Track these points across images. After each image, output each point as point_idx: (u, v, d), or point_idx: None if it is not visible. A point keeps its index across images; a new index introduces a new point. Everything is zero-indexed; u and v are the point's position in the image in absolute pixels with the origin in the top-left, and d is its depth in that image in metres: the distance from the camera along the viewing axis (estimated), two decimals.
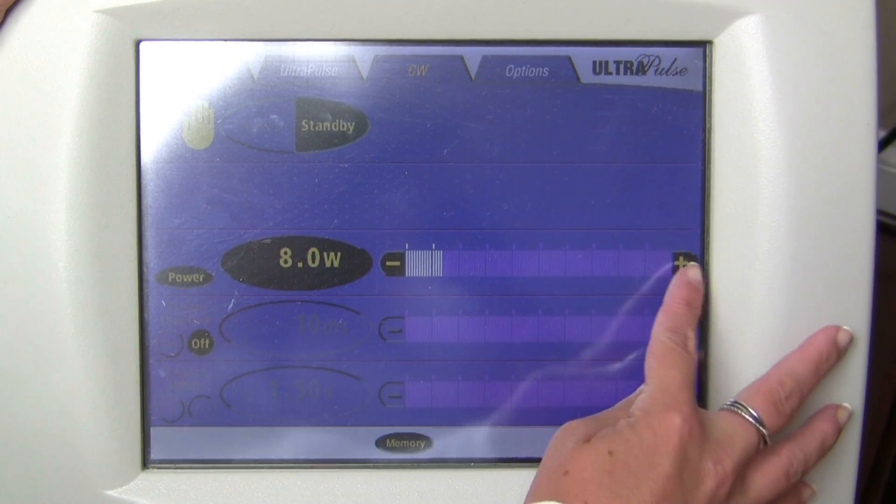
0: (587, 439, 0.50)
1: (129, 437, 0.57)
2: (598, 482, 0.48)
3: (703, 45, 0.56)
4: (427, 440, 0.58)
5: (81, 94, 0.54)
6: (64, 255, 0.54)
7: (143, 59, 0.56)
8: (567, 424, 0.52)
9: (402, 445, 0.58)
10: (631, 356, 0.58)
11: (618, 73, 0.57)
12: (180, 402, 0.58)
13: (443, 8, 0.55)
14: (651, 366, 0.53)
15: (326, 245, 0.57)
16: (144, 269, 0.57)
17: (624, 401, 0.55)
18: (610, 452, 0.49)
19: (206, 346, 0.57)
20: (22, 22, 0.54)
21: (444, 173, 0.57)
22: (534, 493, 0.50)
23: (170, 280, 0.57)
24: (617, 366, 0.58)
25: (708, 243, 0.57)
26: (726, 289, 0.57)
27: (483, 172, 0.57)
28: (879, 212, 0.56)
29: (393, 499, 0.57)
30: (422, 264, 0.57)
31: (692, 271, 0.56)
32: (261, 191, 0.57)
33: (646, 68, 0.57)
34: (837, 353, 0.55)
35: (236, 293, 0.57)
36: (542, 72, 0.57)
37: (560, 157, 0.57)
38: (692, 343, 0.54)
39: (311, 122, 0.57)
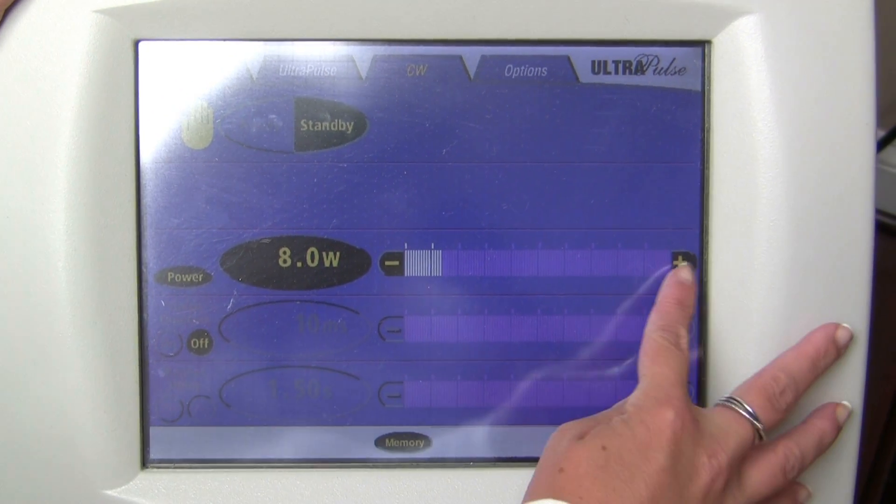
0: (581, 437, 0.50)
1: (129, 436, 0.57)
2: (592, 477, 0.48)
3: (702, 45, 0.56)
4: (426, 440, 0.58)
5: (80, 94, 0.54)
6: (63, 254, 0.54)
7: (142, 59, 0.56)
8: (563, 425, 0.53)
9: (401, 445, 0.58)
10: (630, 356, 0.58)
11: (616, 72, 0.57)
12: (179, 401, 0.58)
13: (442, 8, 0.55)
14: (644, 364, 0.53)
15: (325, 245, 0.57)
16: (143, 269, 0.57)
17: (620, 403, 0.55)
18: (604, 448, 0.49)
19: (206, 345, 0.57)
20: (21, 22, 0.54)
21: (443, 173, 0.57)
22: (531, 492, 0.50)
23: (169, 280, 0.57)
24: (616, 365, 0.58)
25: (707, 243, 0.57)
26: (725, 288, 0.57)
27: (482, 172, 0.57)
28: (878, 211, 0.56)
29: (392, 498, 0.57)
30: (421, 264, 0.57)
31: (683, 271, 0.57)
32: (260, 190, 0.57)
33: (644, 68, 0.57)
34: (836, 350, 0.55)
35: (235, 293, 0.57)
36: (541, 71, 0.57)
37: (559, 156, 0.57)
38: (685, 341, 0.54)
39: (310, 122, 0.57)
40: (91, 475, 0.56)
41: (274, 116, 0.57)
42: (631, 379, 0.57)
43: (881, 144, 0.83)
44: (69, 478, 0.56)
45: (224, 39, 0.56)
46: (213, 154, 0.57)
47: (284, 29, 0.55)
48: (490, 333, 0.58)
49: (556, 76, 0.57)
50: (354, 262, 0.57)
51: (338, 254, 0.57)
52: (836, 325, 0.55)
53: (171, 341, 0.57)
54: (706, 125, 0.57)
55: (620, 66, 0.57)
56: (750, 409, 0.52)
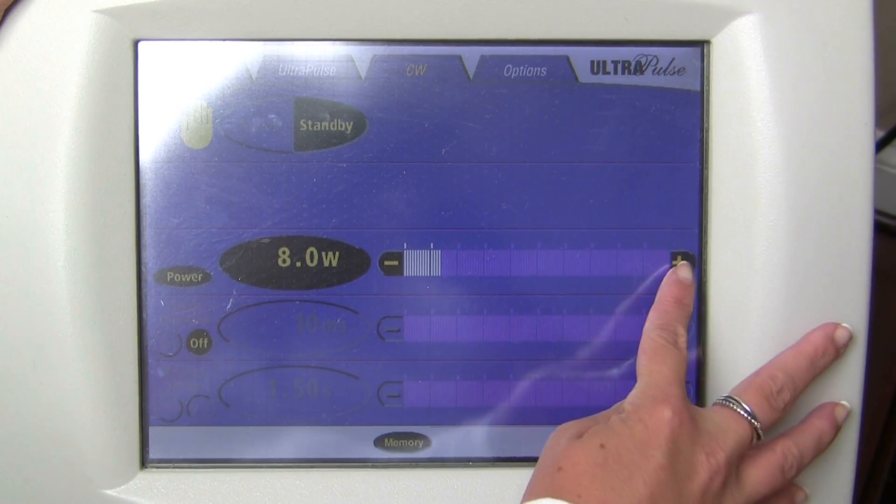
0: (580, 436, 0.50)
1: (128, 436, 0.57)
2: (591, 475, 0.48)
3: (701, 45, 0.56)
4: (425, 439, 0.58)
5: (80, 94, 0.54)
6: (63, 254, 0.54)
7: (141, 59, 0.56)
8: (561, 425, 0.53)
9: (400, 445, 0.58)
10: (629, 356, 0.58)
11: (616, 72, 0.57)
12: (179, 401, 0.58)
13: (441, 8, 0.55)
14: (642, 363, 0.53)
15: (325, 244, 0.57)
16: (143, 269, 0.57)
17: (619, 403, 0.55)
18: (602, 446, 0.49)
19: (205, 345, 0.58)
20: (21, 22, 0.54)
21: (443, 173, 0.57)
22: (529, 491, 0.50)
23: (168, 280, 0.57)
24: (615, 365, 0.58)
25: (706, 243, 0.57)
26: (724, 288, 0.57)
27: (481, 172, 0.57)
28: (877, 212, 0.56)
29: (391, 498, 0.57)
30: (420, 264, 0.57)
31: (682, 270, 0.57)
32: (259, 190, 0.57)
33: (644, 68, 0.57)
34: (835, 350, 0.55)
35: (235, 293, 0.57)
36: (541, 71, 0.57)
37: (558, 156, 0.57)
38: (683, 340, 0.54)
39: (310, 122, 0.57)
40: (90, 475, 0.56)
41: (273, 116, 0.57)
42: (630, 379, 0.57)
43: (880, 145, 0.83)
44: (69, 477, 0.56)
45: (223, 39, 0.56)
46: (212, 154, 0.57)
47: (284, 29, 0.56)
48: (489, 333, 0.58)
49: (556, 76, 0.57)
50: (354, 262, 0.57)
51: (337, 254, 0.57)
52: (836, 325, 0.55)
53: (171, 341, 0.57)
54: (705, 125, 0.57)
55: (619, 66, 0.57)
56: (748, 408, 0.52)
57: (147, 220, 0.57)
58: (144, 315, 0.57)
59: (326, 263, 0.57)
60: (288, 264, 0.57)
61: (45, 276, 0.55)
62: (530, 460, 0.56)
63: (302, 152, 0.57)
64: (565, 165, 0.57)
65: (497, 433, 0.58)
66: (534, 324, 0.58)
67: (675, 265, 0.57)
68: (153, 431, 0.58)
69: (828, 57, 0.54)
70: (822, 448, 0.55)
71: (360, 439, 0.58)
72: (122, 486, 0.57)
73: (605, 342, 0.58)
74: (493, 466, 0.58)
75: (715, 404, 0.54)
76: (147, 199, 0.57)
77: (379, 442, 0.58)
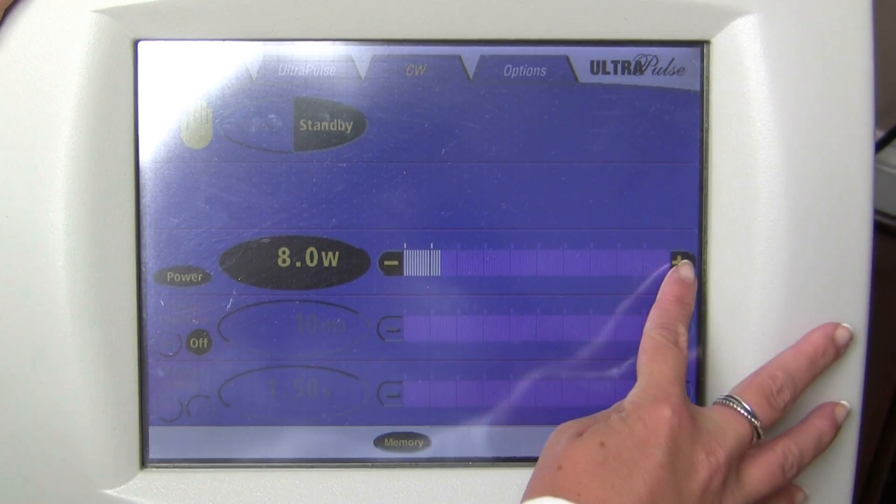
0: (580, 435, 0.50)
1: (128, 436, 0.57)
2: (591, 474, 0.48)
3: (701, 45, 0.56)
4: (425, 439, 0.58)
5: (80, 94, 0.54)
6: (62, 254, 0.54)
7: (141, 59, 0.56)
8: (562, 424, 0.53)
9: (400, 445, 0.58)
10: (629, 356, 0.58)
11: (615, 72, 0.57)
12: (179, 401, 0.58)
13: (441, 8, 0.55)
14: (642, 362, 0.53)
15: (325, 244, 0.57)
16: (143, 269, 0.57)
17: (619, 403, 0.55)
18: (602, 444, 0.49)
19: (205, 345, 0.58)
20: (21, 21, 0.54)
21: (443, 173, 0.57)
22: (529, 490, 0.50)
23: (168, 279, 0.57)
24: (615, 365, 0.58)
25: (706, 243, 0.57)
26: (724, 288, 0.57)
27: (481, 172, 0.57)
28: (877, 212, 0.56)
29: (391, 498, 0.57)
30: (420, 264, 0.57)
31: (684, 269, 0.57)
32: (259, 190, 0.57)
33: (643, 68, 0.57)
34: (835, 350, 0.55)
35: (234, 292, 0.57)
36: (540, 71, 0.57)
37: (558, 156, 0.57)
38: (683, 339, 0.54)
39: (310, 122, 0.57)
40: (90, 475, 0.56)
41: (273, 116, 0.57)
42: (630, 379, 0.57)
43: (879, 145, 0.83)
44: (68, 477, 0.56)
45: (223, 39, 0.56)
46: (212, 154, 0.57)
47: (284, 29, 0.56)
48: (489, 333, 0.58)
49: (555, 76, 0.57)
50: (354, 262, 0.57)
51: (337, 253, 0.57)
52: (836, 325, 0.55)
53: (171, 341, 0.57)
54: (705, 125, 0.57)
55: (619, 66, 0.57)
56: (748, 408, 0.52)
57: (147, 219, 0.57)
58: (144, 315, 0.57)
59: (326, 263, 0.57)
60: (288, 264, 0.57)
61: (45, 276, 0.55)
62: (530, 460, 0.56)
63: (302, 152, 0.57)
64: (565, 165, 0.57)
65: (497, 433, 0.58)
66: (534, 324, 0.58)
67: (677, 264, 0.57)
68: (153, 431, 0.58)
69: (827, 57, 0.54)
70: (823, 448, 0.55)
71: (359, 439, 0.58)
72: (122, 486, 0.57)
73: (605, 342, 0.58)
74: (493, 466, 0.58)
75: (715, 403, 0.54)
76: (147, 199, 0.57)
77: (379, 442, 0.58)
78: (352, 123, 0.57)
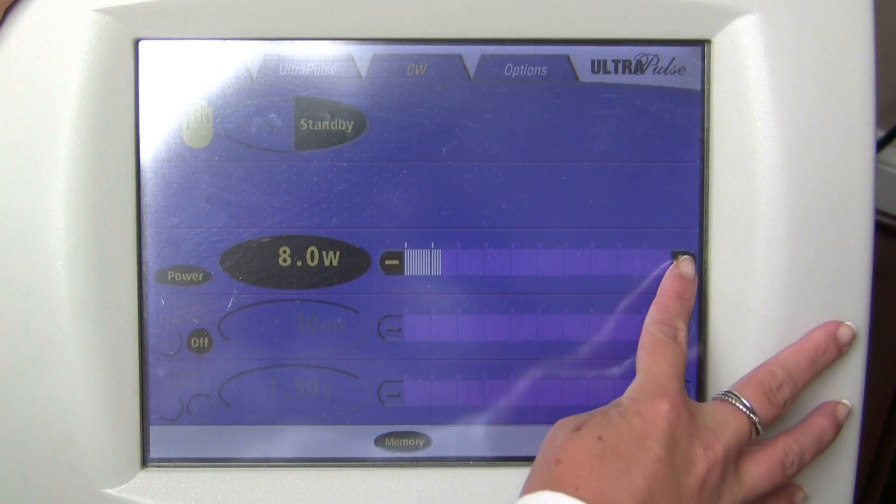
0: (578, 429, 0.51)
1: (129, 435, 0.57)
2: (588, 467, 0.48)
3: (702, 44, 0.56)
4: (426, 439, 0.58)
5: (80, 94, 0.54)
6: (63, 254, 0.54)
7: (142, 59, 0.56)
8: (560, 420, 0.53)
9: (400, 444, 0.58)
10: (630, 355, 0.58)
11: (616, 72, 0.57)
12: (179, 400, 0.58)
13: (441, 7, 0.55)
14: (641, 357, 0.54)
15: (325, 244, 0.57)
16: (143, 268, 0.57)
17: (618, 398, 0.55)
18: (600, 438, 0.49)
19: (205, 344, 0.58)
20: (21, 21, 0.54)
21: (443, 172, 0.57)
22: (528, 485, 0.50)
23: (169, 279, 0.57)
24: (616, 364, 0.58)
25: (706, 242, 0.57)
26: (725, 288, 0.57)
27: (482, 171, 0.57)
28: (878, 211, 0.56)
29: (392, 497, 0.57)
30: (421, 263, 0.57)
31: (684, 265, 0.57)
32: (259, 190, 0.57)
33: (644, 67, 0.57)
34: (837, 348, 0.55)
35: (235, 292, 0.57)
36: (541, 71, 0.57)
37: (559, 156, 0.57)
38: (683, 334, 0.54)
39: (310, 121, 0.57)
40: (91, 474, 0.56)
41: (274, 115, 0.57)
42: (631, 378, 0.57)
43: (880, 144, 0.83)
44: (69, 477, 0.56)
45: (224, 39, 0.56)
46: (212, 153, 0.57)
47: (284, 28, 0.56)
48: (490, 333, 0.58)
49: (556, 75, 0.57)
50: (354, 262, 0.57)
51: (338, 253, 0.57)
52: (838, 323, 0.55)
53: (171, 340, 0.57)
54: (706, 124, 0.57)
55: (620, 65, 0.57)
56: (747, 403, 0.52)
57: (147, 219, 0.57)
58: (145, 314, 0.57)
59: (327, 263, 0.57)
60: (288, 264, 0.57)
61: (46, 276, 0.55)
62: (531, 459, 0.56)
63: (302, 151, 0.57)
64: (566, 165, 0.57)
65: (497, 432, 0.58)
66: (534, 323, 0.58)
67: (678, 260, 0.57)
68: (154, 431, 0.58)
69: (828, 56, 0.54)
70: (824, 446, 0.55)
71: (360, 438, 0.58)
72: (123, 486, 0.57)
73: (605, 341, 0.58)
74: (494, 466, 0.58)
75: (714, 399, 0.54)
76: (147, 199, 0.57)
77: (379, 441, 0.58)
78: (352, 123, 0.57)
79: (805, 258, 0.55)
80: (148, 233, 0.57)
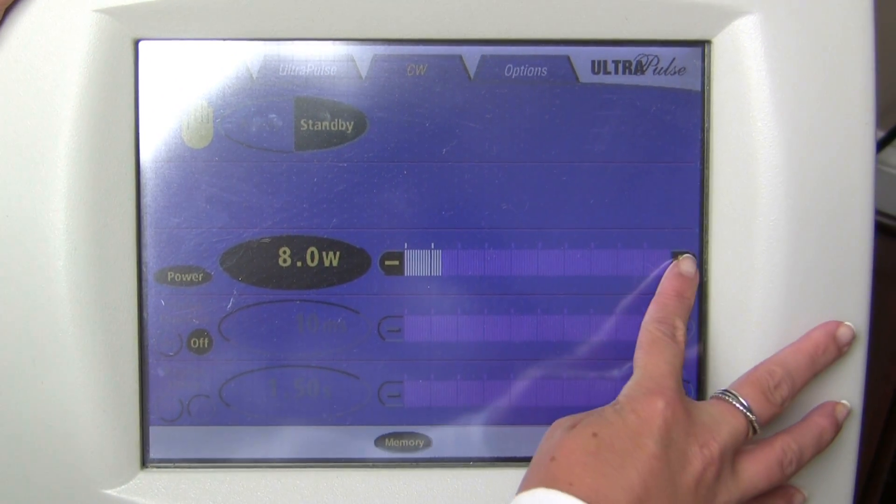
0: (573, 427, 0.51)
1: (128, 436, 0.57)
2: (583, 464, 0.48)
3: (702, 45, 0.56)
4: (426, 439, 0.58)
5: (80, 94, 0.54)
6: (63, 254, 0.54)
7: (142, 59, 0.56)
8: (557, 420, 0.53)
9: (400, 444, 0.58)
10: (630, 355, 0.57)
11: (616, 72, 0.57)
12: (179, 401, 0.58)
13: (441, 7, 0.55)
14: (638, 355, 0.54)
15: (325, 244, 0.57)
16: (143, 269, 0.57)
17: (616, 399, 0.55)
18: (594, 435, 0.49)
19: (205, 345, 0.58)
20: (21, 21, 0.54)
21: (443, 173, 0.57)
22: (524, 483, 0.51)
23: (169, 279, 0.57)
24: (616, 365, 0.58)
25: (706, 242, 0.57)
26: (725, 288, 0.57)
27: (482, 172, 0.57)
28: (878, 212, 0.56)
29: (392, 498, 0.57)
30: (421, 263, 0.57)
31: (685, 263, 0.57)
32: (260, 190, 0.57)
33: (644, 68, 0.57)
34: (837, 348, 0.55)
35: (235, 292, 0.57)
36: (541, 71, 0.57)
37: (559, 156, 0.57)
38: (681, 333, 0.54)
39: (310, 122, 0.57)
40: (91, 474, 0.56)
41: (274, 116, 0.57)
42: (630, 378, 0.57)
43: (880, 145, 0.83)
44: (69, 477, 0.56)
45: (224, 39, 0.56)
46: (213, 153, 0.57)
47: (284, 28, 0.55)
48: (490, 333, 0.58)
49: (556, 76, 0.57)
50: (354, 262, 0.57)
51: (338, 253, 0.57)
52: (838, 323, 0.55)
53: (171, 341, 0.57)
54: (706, 125, 0.57)
55: (620, 65, 0.57)
56: (744, 402, 0.52)
57: (147, 219, 0.57)
58: (145, 314, 0.57)
59: (327, 263, 0.57)
60: (288, 264, 0.57)
61: (46, 276, 0.54)
62: (531, 460, 0.56)
63: (302, 152, 0.57)
64: (566, 165, 0.57)
65: (498, 433, 0.58)
66: (534, 323, 0.58)
67: (679, 258, 0.57)
68: (154, 431, 0.58)
69: (828, 57, 0.54)
70: (823, 446, 0.55)
71: (360, 439, 0.58)
72: (123, 486, 0.57)
73: (605, 342, 0.58)
74: (494, 466, 0.58)
75: (712, 397, 0.54)
76: (147, 199, 0.57)
77: (379, 442, 0.58)
78: (352, 123, 0.57)
79: (805, 258, 0.55)
80: (148, 233, 0.57)
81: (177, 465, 0.58)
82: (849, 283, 0.56)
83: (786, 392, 0.54)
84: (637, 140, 0.57)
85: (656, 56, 0.57)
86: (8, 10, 0.54)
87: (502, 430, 0.58)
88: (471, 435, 0.58)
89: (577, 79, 0.57)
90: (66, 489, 0.56)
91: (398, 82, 0.57)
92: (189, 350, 0.57)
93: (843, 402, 0.57)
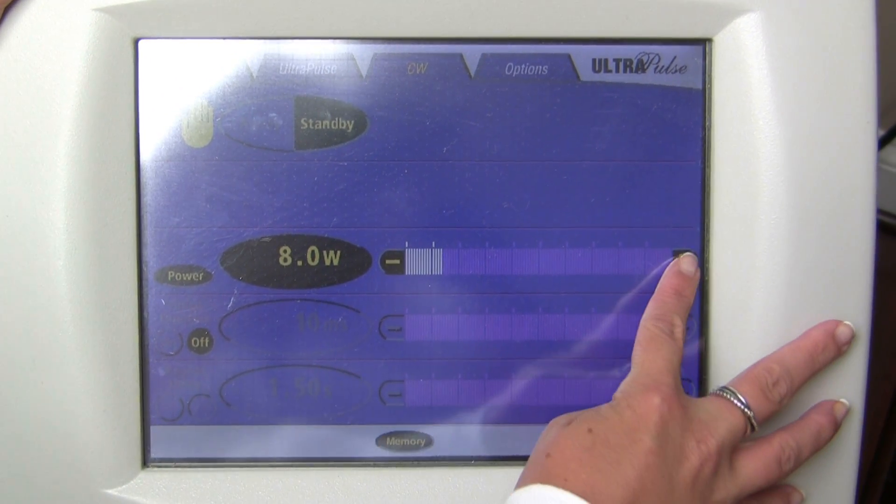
0: (569, 423, 0.51)
1: (129, 435, 0.57)
2: (578, 459, 0.48)
3: (703, 43, 0.56)
4: (427, 438, 0.58)
5: (80, 93, 0.54)
6: (63, 253, 0.54)
7: (142, 58, 0.56)
8: (554, 418, 0.53)
9: (402, 444, 0.58)
10: (631, 354, 0.58)
11: (617, 70, 0.57)
12: (180, 400, 0.58)
13: (442, 6, 0.55)
14: (636, 353, 0.54)
15: (326, 243, 0.57)
16: (144, 268, 0.57)
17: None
18: (590, 430, 0.49)
19: (206, 344, 0.57)
20: (21, 20, 0.54)
21: (444, 171, 0.57)
22: (520, 480, 0.51)
23: (169, 278, 0.57)
24: (617, 364, 0.58)
25: (707, 241, 0.57)
26: (726, 287, 0.57)
27: (482, 170, 0.57)
28: (878, 211, 0.56)
29: (393, 497, 0.57)
30: (421, 262, 0.57)
31: (685, 262, 0.57)
32: (260, 189, 0.57)
33: (645, 66, 0.57)
34: (836, 346, 0.55)
35: (236, 292, 0.57)
36: (542, 70, 0.57)
37: (560, 155, 0.57)
38: (679, 330, 0.54)
39: (311, 121, 0.57)
40: (92, 474, 0.56)
41: (274, 115, 0.57)
42: None
43: (881, 143, 0.83)
44: (70, 477, 0.56)
45: (224, 38, 0.56)
46: (213, 152, 0.57)
47: (284, 27, 0.55)
48: (491, 332, 0.58)
49: (557, 74, 0.57)
50: (355, 261, 0.57)
51: (338, 252, 0.57)
52: (837, 322, 0.55)
53: (172, 340, 0.57)
54: (707, 123, 0.57)
55: (621, 64, 0.57)
56: (742, 399, 0.52)
57: (148, 218, 0.57)
58: (145, 314, 0.57)
59: (328, 262, 0.57)
60: (289, 263, 0.57)
61: (46, 276, 0.54)
62: None
63: (303, 151, 0.57)
64: (567, 164, 0.57)
65: (498, 432, 0.58)
66: (535, 322, 0.58)
67: (680, 257, 0.57)
68: (154, 430, 0.58)
69: (830, 55, 0.54)
70: (821, 444, 0.55)
71: (361, 438, 0.58)
72: (124, 486, 0.57)
73: (606, 341, 0.58)
74: (495, 465, 0.58)
75: (710, 394, 0.54)
76: (148, 198, 0.57)
77: (380, 441, 0.58)
78: (353, 122, 0.57)
79: (806, 257, 0.55)
80: (148, 232, 0.57)
81: (177, 464, 0.58)
82: (850, 282, 0.56)
83: (784, 390, 0.54)
84: (638, 138, 0.57)
85: (657, 54, 0.56)
86: (7, 9, 0.54)
87: (503, 429, 0.58)
88: (472, 434, 0.58)
89: (577, 77, 0.57)
90: (67, 489, 0.56)
91: (399, 81, 0.56)
92: (190, 349, 0.57)
93: (842, 400, 0.57)
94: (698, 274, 0.57)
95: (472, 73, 0.57)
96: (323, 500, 0.57)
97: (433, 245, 0.57)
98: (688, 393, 0.55)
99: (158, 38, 0.56)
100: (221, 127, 0.56)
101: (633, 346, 0.56)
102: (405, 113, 0.57)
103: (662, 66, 0.57)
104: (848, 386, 0.57)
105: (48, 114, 0.54)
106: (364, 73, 0.56)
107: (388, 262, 0.57)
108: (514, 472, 0.57)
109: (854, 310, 0.56)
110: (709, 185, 0.57)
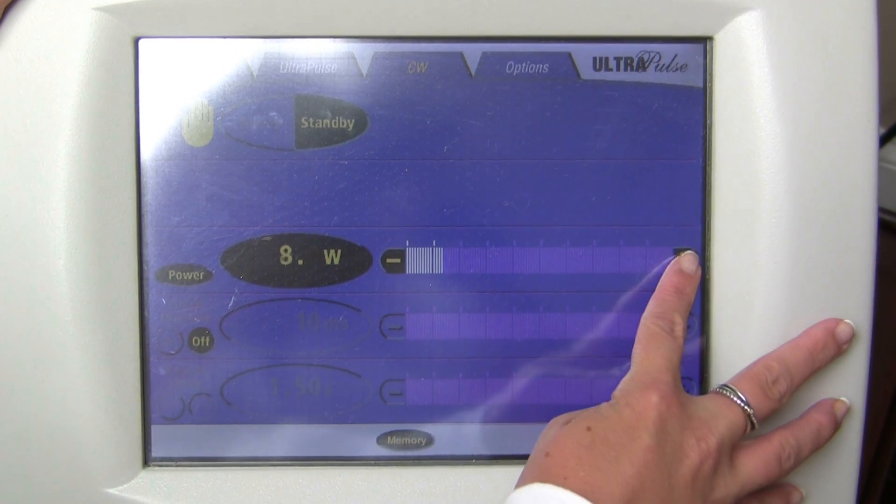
0: (568, 422, 0.51)
1: (130, 435, 0.57)
2: (577, 457, 0.48)
3: (704, 42, 0.56)
4: (428, 437, 0.58)
5: (81, 92, 0.54)
6: (63, 253, 0.54)
7: (142, 57, 0.56)
8: (554, 418, 0.53)
9: (402, 443, 0.58)
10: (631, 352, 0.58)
11: (618, 69, 0.57)
12: (181, 399, 0.58)
13: (442, 4, 0.55)
14: (636, 351, 0.54)
15: (327, 242, 0.57)
16: (144, 267, 0.57)
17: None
18: (588, 429, 0.49)
19: (207, 343, 0.57)
20: (21, 19, 0.54)
21: (445, 170, 0.57)
22: (520, 480, 0.51)
23: (170, 278, 0.57)
24: (618, 362, 0.58)
25: (708, 239, 0.57)
26: (727, 285, 0.57)
27: (483, 169, 0.57)
28: (879, 209, 0.56)
29: (394, 496, 0.57)
30: (422, 261, 0.57)
31: (686, 260, 0.57)
32: (260, 188, 0.57)
33: (646, 64, 0.57)
34: (836, 345, 0.55)
35: (236, 291, 0.57)
36: (543, 68, 0.56)
37: (560, 153, 0.57)
38: (679, 329, 0.54)
39: (311, 120, 0.57)
40: (92, 473, 0.56)
41: (274, 114, 0.56)
42: None
43: (882, 141, 0.83)
44: (71, 476, 0.56)
45: (224, 37, 0.56)
46: (213, 152, 0.57)
47: (285, 26, 0.55)
48: (491, 331, 0.58)
49: (558, 73, 0.57)
50: (356, 260, 0.57)
51: (339, 251, 0.57)
52: (838, 321, 0.55)
53: (172, 339, 0.57)
54: (708, 122, 0.57)
55: (622, 62, 0.57)
56: (742, 396, 0.52)
57: (148, 218, 0.57)
58: (146, 313, 0.57)
59: (328, 261, 0.57)
60: (289, 262, 0.57)
61: (47, 275, 0.54)
62: None
63: (303, 150, 0.57)
64: (567, 162, 0.57)
65: (499, 431, 0.58)
66: (536, 321, 0.58)
67: (681, 255, 0.57)
68: (155, 430, 0.58)
69: (831, 53, 0.54)
70: (821, 442, 0.55)
71: (362, 437, 0.58)
72: (125, 485, 0.57)
73: (607, 339, 0.58)
74: (496, 464, 0.58)
75: (710, 392, 0.54)
76: (148, 197, 0.57)
77: (381, 440, 0.58)
78: (353, 121, 0.57)
79: (807, 255, 0.55)
80: (148, 232, 0.57)
81: (178, 463, 0.58)
82: (851, 280, 0.56)
83: (784, 388, 0.54)
84: (639, 137, 0.57)
85: (658, 53, 0.56)
86: (7, 8, 0.54)
87: (504, 427, 0.58)
88: (472, 433, 0.58)
89: (578, 76, 0.57)
90: (68, 488, 0.56)
91: (399, 80, 0.56)
92: (190, 348, 0.57)
93: (843, 399, 0.57)
94: (699, 272, 0.57)
95: (473, 72, 0.57)
96: (324, 499, 0.57)
97: (434, 244, 0.57)
98: (688, 391, 0.55)
99: (159, 38, 0.56)
100: (222, 126, 0.56)
101: (633, 344, 0.56)
102: (406, 112, 0.57)
103: (663, 65, 0.57)
104: (848, 384, 0.57)
105: (48, 113, 0.54)
106: (364, 71, 0.56)
107: (388, 261, 0.57)
108: (515, 471, 0.57)
109: (855, 308, 0.56)
110: (710, 184, 0.57)
